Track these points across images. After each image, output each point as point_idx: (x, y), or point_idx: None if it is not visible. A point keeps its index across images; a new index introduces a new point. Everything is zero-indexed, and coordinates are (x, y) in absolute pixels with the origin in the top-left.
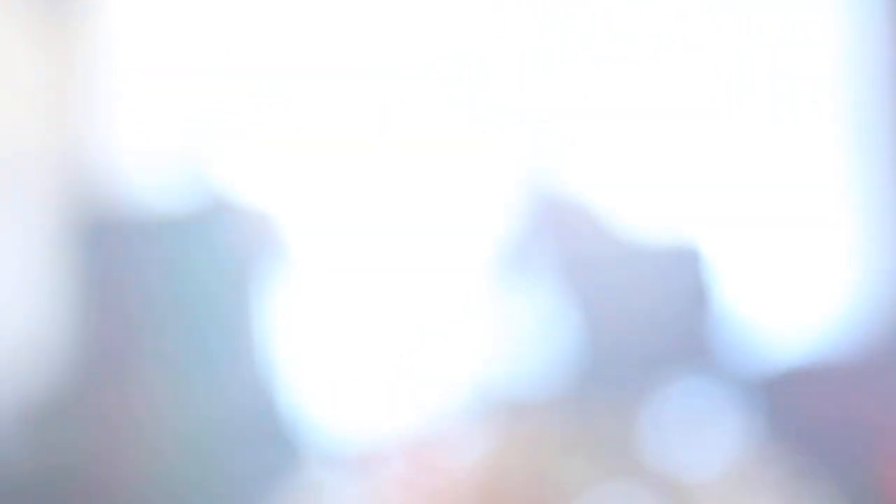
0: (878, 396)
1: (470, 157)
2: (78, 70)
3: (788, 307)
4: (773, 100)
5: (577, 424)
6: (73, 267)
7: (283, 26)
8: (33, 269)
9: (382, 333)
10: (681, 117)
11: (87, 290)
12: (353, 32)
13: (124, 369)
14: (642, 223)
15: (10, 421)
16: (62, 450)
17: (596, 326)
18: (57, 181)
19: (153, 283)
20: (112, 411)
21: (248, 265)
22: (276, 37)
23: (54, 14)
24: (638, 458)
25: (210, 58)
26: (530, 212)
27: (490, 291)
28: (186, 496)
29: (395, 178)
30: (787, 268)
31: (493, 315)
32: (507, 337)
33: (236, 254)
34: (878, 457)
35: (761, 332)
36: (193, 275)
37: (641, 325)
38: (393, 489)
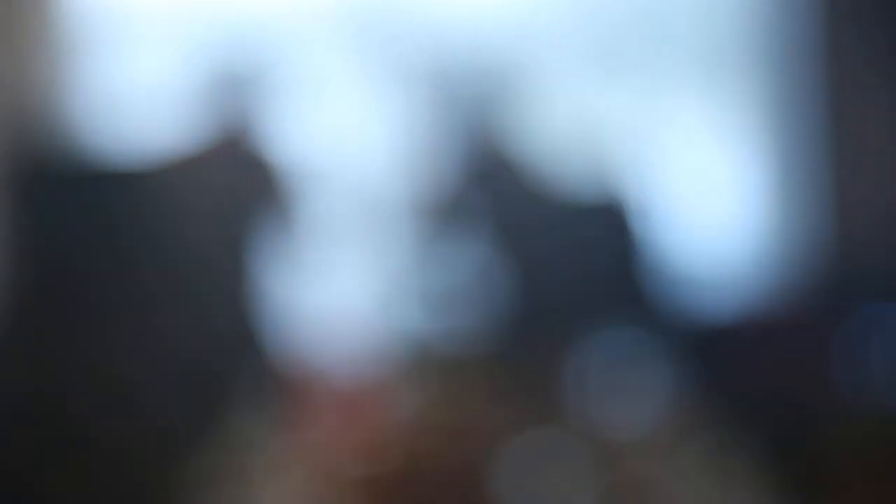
0: (807, 352)
1: (405, 111)
2: (26, 23)
3: (719, 262)
4: (698, 61)
5: (507, 377)
6: (17, 216)
7: None
8: None
9: (314, 286)
10: (606, 74)
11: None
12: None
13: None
14: (573, 177)
15: None
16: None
17: (527, 280)
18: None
19: (96, 233)
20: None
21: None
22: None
23: None
24: (568, 412)
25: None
26: (463, 167)
27: (422, 245)
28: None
29: (330, 128)
30: (719, 224)
31: (425, 269)
32: (438, 290)
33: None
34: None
35: (693, 287)
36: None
37: (572, 279)
38: (322, 439)
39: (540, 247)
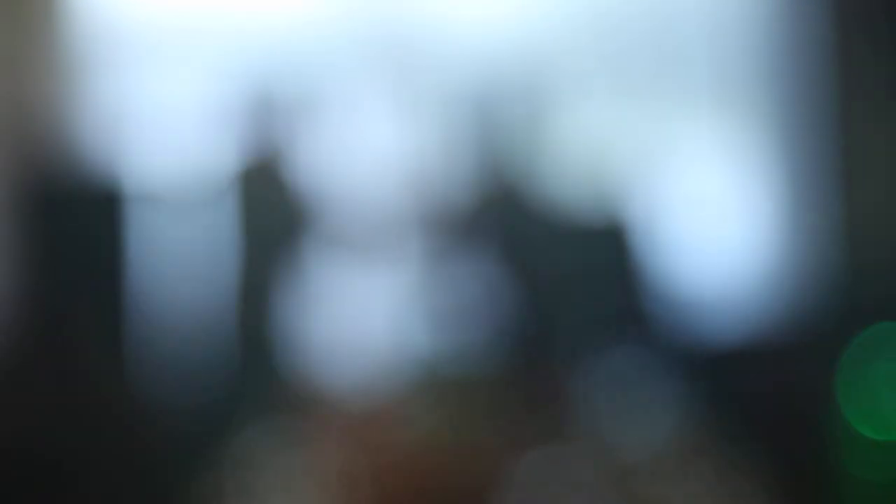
0: (809, 375)
1: (418, 132)
2: (35, 39)
3: (725, 284)
4: (700, 88)
5: (515, 398)
6: (24, 237)
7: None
8: None
9: (327, 306)
10: (616, 96)
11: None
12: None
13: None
14: (582, 199)
15: None
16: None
17: (534, 301)
18: (9, 151)
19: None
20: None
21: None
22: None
23: None
24: (575, 433)
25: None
26: (474, 188)
27: (431, 267)
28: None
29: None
30: (723, 247)
31: (434, 290)
32: (446, 311)
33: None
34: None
35: (699, 309)
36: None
37: (579, 300)
38: (331, 459)
39: (547, 268)
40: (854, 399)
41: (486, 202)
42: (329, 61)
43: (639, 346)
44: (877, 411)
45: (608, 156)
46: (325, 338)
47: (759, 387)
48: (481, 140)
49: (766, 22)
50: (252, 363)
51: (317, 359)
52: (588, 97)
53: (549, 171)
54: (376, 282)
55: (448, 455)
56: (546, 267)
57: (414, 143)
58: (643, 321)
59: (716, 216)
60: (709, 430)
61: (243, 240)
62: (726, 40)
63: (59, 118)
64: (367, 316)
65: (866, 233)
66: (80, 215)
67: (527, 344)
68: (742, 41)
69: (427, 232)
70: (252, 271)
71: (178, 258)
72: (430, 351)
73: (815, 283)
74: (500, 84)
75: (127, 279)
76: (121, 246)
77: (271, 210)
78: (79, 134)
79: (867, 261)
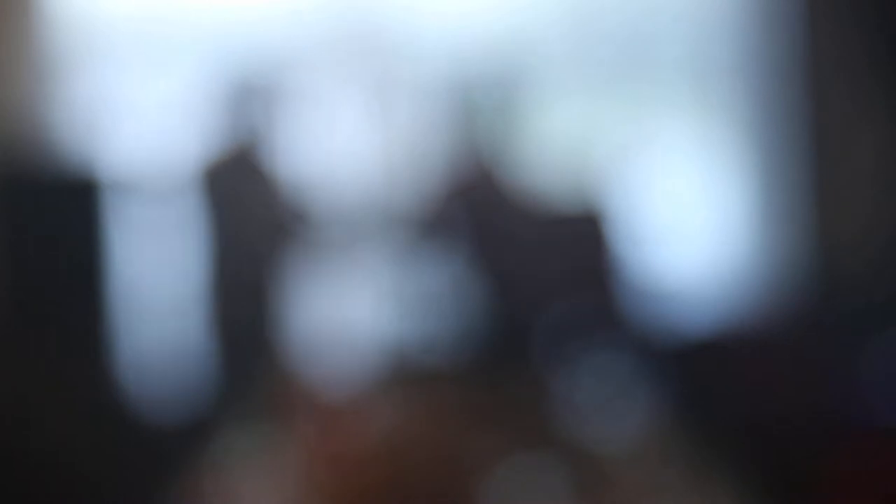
0: (787, 368)
1: (391, 121)
2: (6, 27)
3: (700, 278)
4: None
5: (488, 394)
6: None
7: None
8: None
9: (306, 299)
10: (595, 91)
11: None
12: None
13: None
14: (558, 192)
15: None
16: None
17: (508, 296)
18: None
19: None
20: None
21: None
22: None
23: None
24: (550, 427)
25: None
26: (443, 183)
27: (403, 261)
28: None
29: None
30: (700, 241)
31: (406, 285)
32: (419, 306)
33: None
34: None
35: (674, 303)
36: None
37: (554, 295)
38: (302, 452)
39: (522, 260)
40: (831, 391)
41: (462, 192)
42: (306, 52)
43: (614, 340)
44: (852, 403)
45: (583, 147)
46: (303, 328)
47: (734, 381)
48: (457, 129)
49: (740, 13)
50: (227, 354)
51: (297, 352)
52: (563, 88)
53: (524, 161)
54: (353, 273)
55: (423, 448)
56: (521, 259)
57: (390, 133)
58: (619, 316)
59: (693, 210)
60: (685, 424)
61: (218, 231)
62: (701, 30)
63: (33, 109)
64: (345, 305)
65: (840, 225)
66: (55, 206)
67: (500, 334)
68: (717, 32)
69: (402, 222)
70: (228, 261)
71: (153, 248)
72: (407, 345)
73: (789, 276)
74: (477, 73)
75: (103, 271)
76: (97, 236)
77: (247, 200)
78: (54, 125)
79: (841, 252)
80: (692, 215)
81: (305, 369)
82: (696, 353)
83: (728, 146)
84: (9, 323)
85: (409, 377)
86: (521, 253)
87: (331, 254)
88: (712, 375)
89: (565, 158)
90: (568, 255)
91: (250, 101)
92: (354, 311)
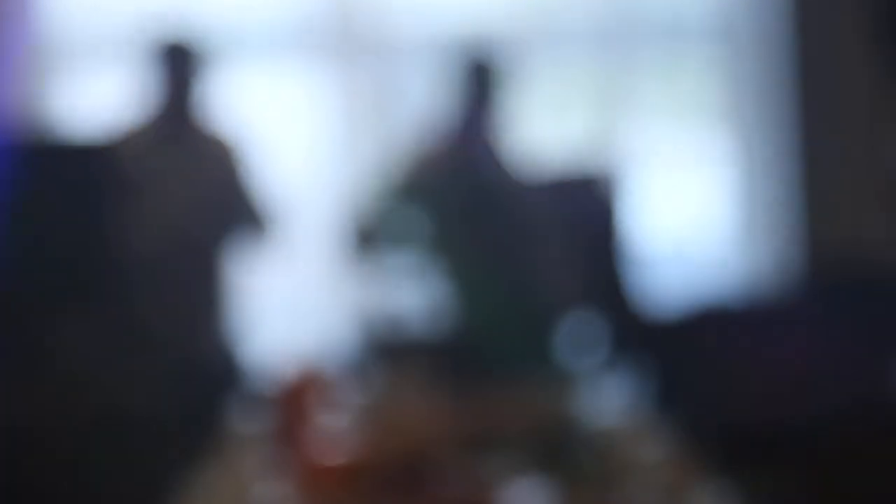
0: (780, 342)
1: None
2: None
3: (694, 253)
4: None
5: (469, 367)
6: None
7: None
8: None
9: (269, 280)
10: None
11: None
12: None
13: None
14: (552, 162)
15: None
16: None
17: (500, 266)
18: None
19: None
20: None
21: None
22: None
23: None
24: (534, 398)
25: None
26: (435, 148)
27: (383, 233)
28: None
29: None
30: (694, 214)
31: (378, 261)
32: (392, 281)
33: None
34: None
35: (668, 277)
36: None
37: (547, 265)
38: (279, 431)
39: (512, 234)
40: (812, 367)
41: (458, 164)
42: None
43: (602, 313)
44: (834, 379)
45: (574, 120)
46: (272, 315)
47: (717, 356)
48: (451, 98)
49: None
50: (206, 343)
51: (267, 336)
52: (568, 70)
53: (523, 139)
54: (321, 256)
55: (396, 425)
56: (512, 233)
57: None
58: (607, 290)
59: (681, 188)
60: (667, 400)
61: (179, 196)
62: (694, 25)
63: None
64: (311, 292)
65: (825, 205)
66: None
67: (486, 313)
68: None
69: (375, 199)
70: (190, 234)
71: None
72: (377, 323)
73: (774, 254)
74: (476, 49)
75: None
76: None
77: (203, 164)
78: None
79: (824, 232)
80: (681, 192)
81: (279, 353)
82: (681, 327)
83: (716, 122)
84: None
85: (386, 352)
86: (514, 225)
87: (296, 235)
88: (696, 349)
89: (556, 130)
90: (562, 225)
91: (193, 62)
92: (324, 294)
